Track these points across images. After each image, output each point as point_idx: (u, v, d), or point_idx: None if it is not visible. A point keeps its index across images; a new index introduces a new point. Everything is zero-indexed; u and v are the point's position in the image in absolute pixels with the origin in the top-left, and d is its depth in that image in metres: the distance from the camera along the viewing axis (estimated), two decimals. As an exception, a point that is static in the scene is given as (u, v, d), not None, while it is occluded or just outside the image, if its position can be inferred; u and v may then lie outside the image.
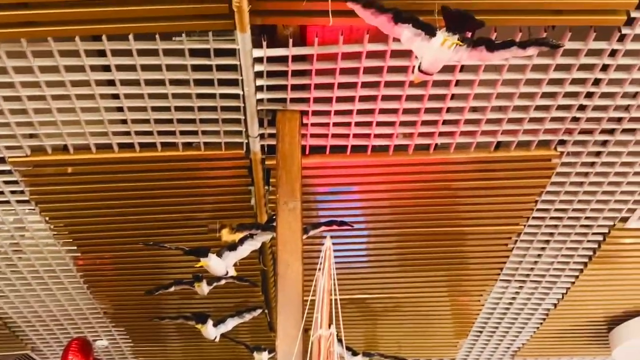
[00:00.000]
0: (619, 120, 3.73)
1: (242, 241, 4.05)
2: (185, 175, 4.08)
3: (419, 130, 3.79)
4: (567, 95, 3.54)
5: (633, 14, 3.03)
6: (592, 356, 7.08)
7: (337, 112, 3.65)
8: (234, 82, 3.39)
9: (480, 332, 6.46)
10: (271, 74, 3.36)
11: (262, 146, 3.84)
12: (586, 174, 4.17)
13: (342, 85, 3.46)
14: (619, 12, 3.00)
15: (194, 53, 3.24)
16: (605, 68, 3.36)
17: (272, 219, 3.78)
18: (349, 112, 3.65)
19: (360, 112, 3.66)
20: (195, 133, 3.75)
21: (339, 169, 4.14)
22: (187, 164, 3.98)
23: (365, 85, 3.46)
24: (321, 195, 4.43)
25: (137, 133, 3.73)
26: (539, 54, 3.25)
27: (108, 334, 6.28)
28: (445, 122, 3.77)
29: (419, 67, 2.68)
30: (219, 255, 4.02)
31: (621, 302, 5.83)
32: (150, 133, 3.73)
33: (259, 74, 3.32)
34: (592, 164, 4.08)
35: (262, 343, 5.71)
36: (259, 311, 5.41)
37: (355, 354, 5.82)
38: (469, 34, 2.68)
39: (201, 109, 3.57)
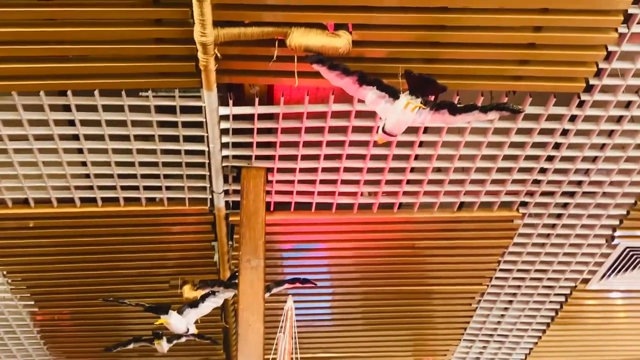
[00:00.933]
0: (579, 183, 3.80)
1: (203, 298, 4.00)
2: (148, 231, 4.03)
3: (383, 189, 3.82)
4: (528, 158, 3.61)
5: (592, 81, 3.12)
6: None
7: (302, 170, 3.66)
8: (199, 139, 3.39)
9: (446, 392, 6.41)
10: (237, 131, 3.37)
11: (227, 202, 3.82)
12: (547, 235, 4.22)
13: (307, 144, 3.48)
14: (578, 79, 3.09)
15: (160, 109, 3.24)
16: (565, 133, 3.44)
17: (235, 275, 3.74)
18: (314, 170, 3.67)
19: (325, 170, 3.68)
20: (159, 188, 3.72)
21: (304, 226, 4.13)
22: (150, 219, 3.94)
23: (330, 144, 3.49)
24: (285, 252, 4.40)
25: (100, 188, 3.70)
26: (500, 117, 3.31)
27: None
28: (409, 182, 3.80)
29: (382, 128, 2.73)
30: (180, 312, 3.96)
31: (583, 362, 5.86)
32: (113, 188, 3.70)
33: (224, 131, 3.33)
34: (554, 226, 4.13)
35: (223, 403, 5.59)
36: (220, 369, 5.31)
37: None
38: (432, 98, 2.73)
39: (166, 164, 3.56)
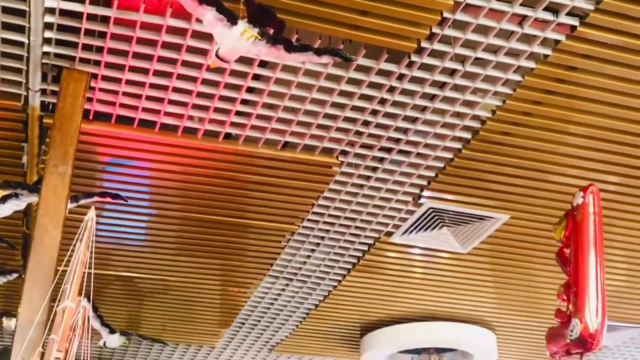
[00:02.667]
0: (397, 141, 3.98)
1: (5, 199, 3.79)
2: (-49, 119, 3.74)
3: (210, 116, 3.78)
4: (355, 108, 3.71)
5: (423, 44, 3.24)
6: (343, 358, 7.46)
7: (129, 82, 3.53)
8: (20, 29, 3.16)
9: (243, 323, 6.57)
10: (63, 28, 3.17)
11: (43, 102, 3.62)
12: (361, 186, 4.39)
13: (137, 55, 3.35)
14: (411, 39, 3.20)
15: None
16: (391, 89, 3.57)
17: (41, 180, 3.57)
18: (141, 85, 3.55)
19: (153, 86, 3.57)
20: (-32, 75, 3.45)
21: (123, 141, 4.00)
22: (-45, 107, 3.66)
23: (161, 60, 3.39)
24: (101, 165, 4.25)
25: None
26: (334, 64, 3.38)
27: None
28: (237, 113, 3.79)
29: (217, 52, 2.69)
30: (-23, 212, 3.74)
31: (376, 310, 6.21)
32: None
33: (48, 26, 3.13)
34: (368, 178, 4.30)
35: (15, 309, 5.38)
36: (15, 275, 5.10)
37: (113, 331, 5.68)
38: (270, 30, 2.72)
39: (-21, 50, 3.29)
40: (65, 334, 2.53)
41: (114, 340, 5.71)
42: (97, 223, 3.05)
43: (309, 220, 4.77)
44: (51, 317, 2.77)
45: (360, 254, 5.23)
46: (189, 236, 5.01)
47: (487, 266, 5.37)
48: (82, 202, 3.76)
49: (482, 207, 4.53)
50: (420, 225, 4.77)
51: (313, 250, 5.19)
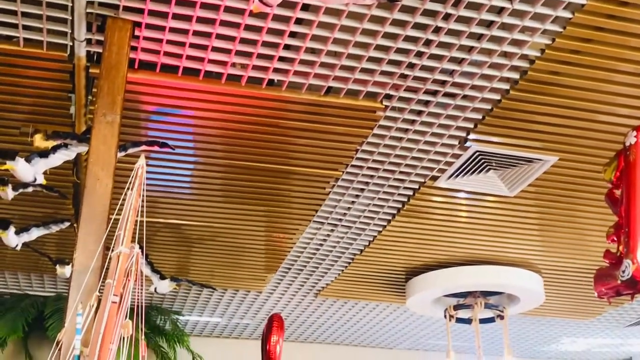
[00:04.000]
0: (443, 83, 3.92)
1: (55, 149, 3.85)
2: (0, 70, 3.79)
3: (253, 62, 3.76)
4: (399, 51, 3.65)
5: (469, -17, 3.16)
6: (388, 303, 7.54)
7: (172, 30, 3.53)
8: (63, -21, 3.17)
9: (289, 268, 6.66)
10: (106, -23, 3.17)
11: (88, 52, 3.64)
12: (406, 131, 4.35)
13: (180, 3, 3.34)
14: (457, -23, 3.12)
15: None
16: (437, 30, 3.50)
17: (90, 130, 3.62)
18: (184, 32, 3.54)
19: (197, 33, 3.56)
20: (15, 26, 3.47)
21: (169, 89, 4.02)
22: (3, 58, 3.70)
23: (204, 6, 3.37)
24: (147, 114, 4.29)
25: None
26: (378, 5, 3.32)
27: None
28: (280, 59, 3.76)
29: (259, -4, 2.65)
30: (28, 160, 3.80)
31: (421, 255, 6.23)
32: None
33: (92, -25, 3.13)
34: (413, 122, 4.26)
35: (68, 257, 5.52)
36: (67, 224, 5.22)
37: (163, 277, 5.80)
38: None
39: (25, 0, 3.31)
40: (121, 279, 2.60)
41: (165, 286, 5.84)
42: (145, 172, 3.09)
43: (353, 166, 4.77)
44: (106, 263, 2.84)
45: (405, 199, 5.23)
46: (235, 183, 5.06)
47: (534, 209, 5.32)
48: (131, 150, 3.81)
49: (530, 150, 4.46)
50: (467, 169, 4.73)
51: (357, 196, 5.19)
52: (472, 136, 4.35)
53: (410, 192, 5.12)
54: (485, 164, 4.69)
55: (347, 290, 7.22)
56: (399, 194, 5.14)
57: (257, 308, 7.88)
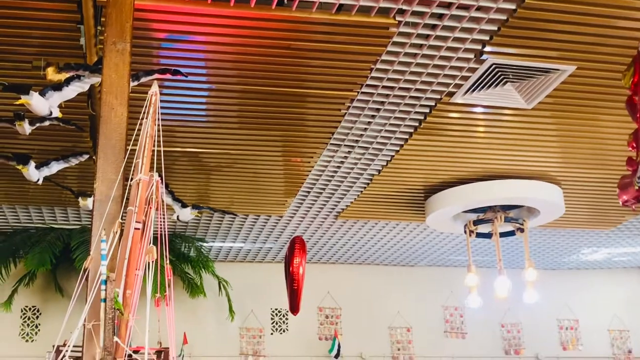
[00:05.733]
0: (457, -5, 3.82)
1: (68, 81, 3.85)
2: (8, 3, 3.75)
3: (262, -19, 3.68)
4: (410, -37, 3.56)
5: None
6: (408, 221, 7.60)
7: (177, -48, 3.45)
8: None
9: (308, 192, 6.71)
10: None
11: (95, -19, 3.58)
12: (420, 46, 4.28)
13: None
14: None
15: None
16: (448, -60, 3.39)
17: (101, 60, 3.60)
18: (190, -46, 3.47)
19: (202, -45, 3.48)
20: (18, -42, 3.42)
21: (177, 15, 3.96)
22: (9, -5, 3.66)
23: None
24: (157, 42, 4.25)
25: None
26: None
27: None
28: (289, -24, 3.68)
29: None
30: (42, 94, 3.81)
31: (439, 172, 6.24)
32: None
33: None
34: (427, 37, 4.18)
35: (89, 189, 5.59)
36: (85, 156, 5.26)
37: (184, 205, 5.87)
38: None
39: None
40: (142, 205, 2.62)
41: (186, 214, 5.92)
42: (159, 101, 3.07)
43: (367, 85, 4.72)
44: (126, 192, 2.86)
45: (421, 117, 5.19)
46: (249, 109, 5.04)
47: (552, 120, 5.27)
48: (143, 79, 3.79)
49: (547, 60, 4.38)
50: (483, 83, 4.67)
51: (373, 116, 5.16)
52: (487, 49, 4.26)
53: (426, 110, 5.08)
54: (502, 76, 4.62)
55: (366, 211, 7.27)
56: (416, 112, 5.10)
57: (278, 232, 7.98)
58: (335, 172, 6.20)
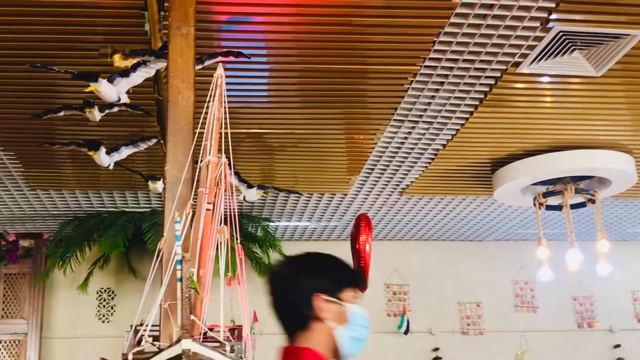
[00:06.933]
0: (520, -39, 3.73)
1: (134, 67, 3.92)
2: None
3: (321, -41, 3.67)
4: None
5: None
6: (475, 196, 7.51)
7: None
8: None
9: (372, 169, 6.69)
10: None
11: (157, -33, 3.63)
12: (484, 16, 4.19)
13: None
14: None
15: None
16: None
17: (166, 45, 3.65)
18: None
19: None
20: (83, -53, 3.49)
21: (237, -4, 4.00)
22: (76, -18, 3.74)
23: None
24: (219, 24, 4.29)
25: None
26: None
27: (-4, 159, 6.13)
28: (348, -48, 3.65)
29: None
30: (110, 80, 3.89)
31: (506, 145, 6.14)
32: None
33: None
34: (491, 6, 4.08)
35: (158, 173, 5.71)
36: (154, 140, 5.36)
37: (250, 186, 5.94)
38: None
39: None
40: (212, 187, 2.67)
41: (252, 194, 5.98)
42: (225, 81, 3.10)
43: (430, 59, 4.66)
44: (196, 175, 2.91)
45: (487, 89, 5.10)
46: (311, 88, 5.05)
47: (622, 87, 5.12)
48: (207, 62, 3.83)
49: (616, 25, 4.23)
50: (550, 52, 4.55)
51: (437, 90, 5.10)
52: (554, 16, 4.14)
53: (492, 81, 4.99)
54: (570, 44, 4.50)
55: (431, 187, 7.22)
56: (481, 84, 5.01)
57: (343, 210, 8.00)
58: (399, 148, 6.17)
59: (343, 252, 7.59)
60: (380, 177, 6.92)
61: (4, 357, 8.07)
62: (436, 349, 9.02)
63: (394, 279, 9.25)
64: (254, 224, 8.13)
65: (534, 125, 5.74)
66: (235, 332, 3.15)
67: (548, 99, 5.31)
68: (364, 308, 2.59)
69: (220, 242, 2.67)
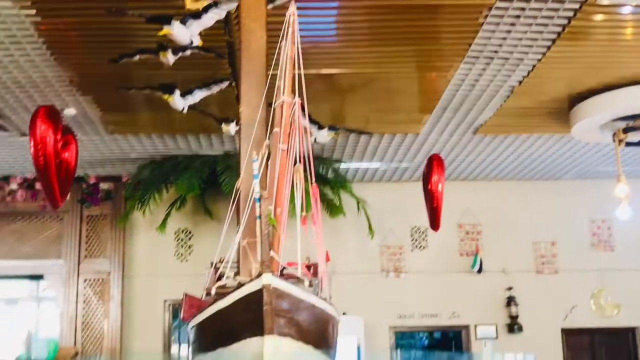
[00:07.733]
0: None
1: (206, 9, 3.95)
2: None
3: None
4: None
5: None
6: (551, 133, 7.31)
7: None
8: None
9: (445, 108, 6.58)
10: None
11: None
12: (563, -55, 4.02)
13: None
14: None
15: None
16: None
17: (237, -15, 3.66)
18: None
19: None
20: None
21: None
22: None
23: None
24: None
25: None
26: None
27: (76, 103, 6.28)
28: None
29: None
30: (183, 22, 3.93)
31: (585, 79, 5.93)
32: None
33: None
34: None
35: (230, 115, 5.77)
36: (226, 83, 5.41)
37: (321, 127, 5.94)
38: None
39: None
40: (287, 126, 2.68)
41: (323, 135, 5.99)
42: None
43: (506, -9, 4.51)
44: (270, 117, 2.92)
45: (565, 22, 4.90)
46: (381, 24, 4.96)
47: None
48: (278, 2, 3.82)
49: None
50: (633, -20, 4.34)
51: (513, 24, 4.93)
52: (638, -58, 3.94)
53: (570, 13, 4.79)
54: (655, -29, 4.27)
55: (506, 125, 7.06)
56: (559, 17, 4.82)
57: (415, 150, 7.93)
58: (473, 85, 6.03)
59: (414, 193, 7.60)
60: (453, 117, 6.81)
61: (89, 294, 8.48)
62: (509, 288, 8.97)
63: (467, 219, 9.18)
64: (324, 165, 8.15)
65: (615, 59, 5.51)
66: (311, 269, 3.21)
67: (629, 30, 5.07)
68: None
69: (296, 182, 2.69)
